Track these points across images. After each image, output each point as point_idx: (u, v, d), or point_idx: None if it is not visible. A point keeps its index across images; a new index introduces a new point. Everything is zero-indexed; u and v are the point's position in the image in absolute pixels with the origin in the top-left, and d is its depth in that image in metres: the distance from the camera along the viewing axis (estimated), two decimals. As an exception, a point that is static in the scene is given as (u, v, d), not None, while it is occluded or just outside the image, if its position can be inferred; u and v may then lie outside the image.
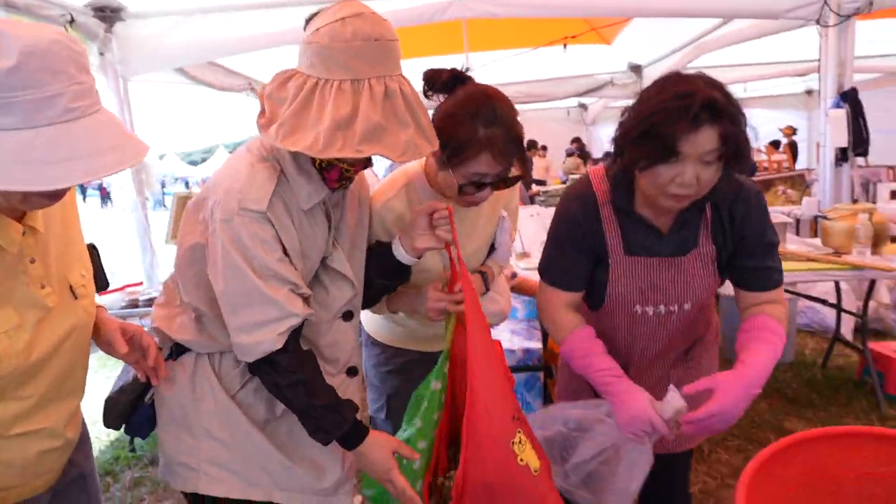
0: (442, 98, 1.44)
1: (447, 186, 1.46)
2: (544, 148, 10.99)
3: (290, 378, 1.24)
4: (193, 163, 31.40)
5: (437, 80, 1.42)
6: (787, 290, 4.06)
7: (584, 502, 1.50)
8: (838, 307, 3.78)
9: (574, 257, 1.52)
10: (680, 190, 1.30)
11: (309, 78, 1.14)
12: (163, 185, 27.83)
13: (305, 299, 1.28)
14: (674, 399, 1.34)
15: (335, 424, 1.27)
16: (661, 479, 1.56)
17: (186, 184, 23.29)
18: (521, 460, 1.30)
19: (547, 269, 1.58)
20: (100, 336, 1.29)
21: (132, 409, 1.37)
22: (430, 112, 1.33)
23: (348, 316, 1.43)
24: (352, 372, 1.46)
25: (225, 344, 1.30)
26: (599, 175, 1.51)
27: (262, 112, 1.19)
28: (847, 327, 4.15)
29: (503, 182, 1.43)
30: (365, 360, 1.81)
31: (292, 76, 1.18)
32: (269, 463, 1.33)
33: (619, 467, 1.45)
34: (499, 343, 1.47)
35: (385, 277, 1.45)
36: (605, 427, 1.46)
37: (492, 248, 1.71)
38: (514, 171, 1.44)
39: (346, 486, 1.42)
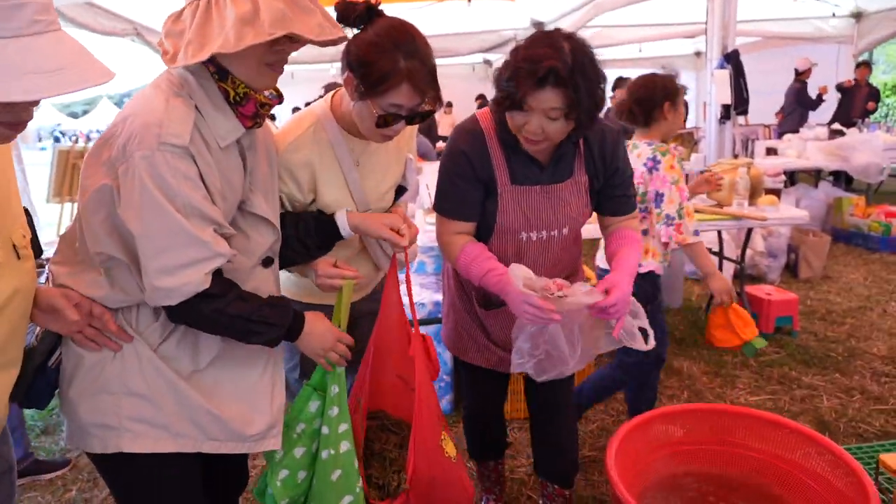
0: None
1: (361, 119, 1.46)
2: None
3: (227, 297, 1.22)
4: (74, 115, 28.79)
5: (352, 13, 1.39)
6: (676, 241, 4.32)
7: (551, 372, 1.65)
8: (720, 255, 4.09)
9: (465, 188, 1.65)
10: (529, 136, 1.51)
11: (201, 1, 1.14)
12: (39, 139, 25.42)
13: (228, 240, 1.24)
14: (517, 269, 1.51)
15: (282, 315, 1.31)
16: (549, 393, 1.88)
17: (67, 137, 21.39)
18: (447, 453, 1.63)
19: (441, 201, 1.71)
20: (38, 305, 1.19)
21: (33, 378, 1.26)
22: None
23: (268, 262, 1.40)
24: (268, 262, 1.43)
25: (139, 297, 1.23)
26: (486, 114, 1.66)
27: (165, 51, 1.16)
28: (727, 274, 4.51)
29: (418, 116, 1.46)
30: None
31: (184, 8, 1.17)
32: (196, 414, 1.29)
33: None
34: (430, 340, 1.71)
35: (324, 247, 1.54)
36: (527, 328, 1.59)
37: (400, 189, 1.73)
38: (426, 107, 1.46)
39: (276, 428, 1.40)
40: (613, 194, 1.74)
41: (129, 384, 1.25)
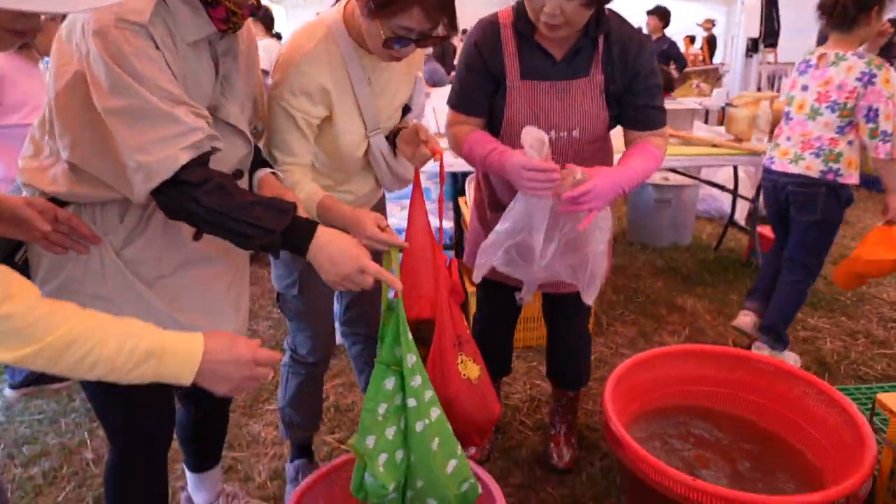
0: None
1: (370, 37, 1.40)
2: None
3: (206, 187, 1.12)
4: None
5: None
6: (689, 177, 4.20)
7: (515, 270, 1.69)
8: (734, 193, 3.97)
9: (475, 81, 1.67)
10: (547, 19, 1.47)
11: None
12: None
13: (208, 122, 1.17)
14: (529, 133, 1.45)
15: (275, 219, 1.16)
16: (565, 319, 2.01)
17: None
18: (464, 375, 1.62)
19: (453, 97, 1.73)
20: (1, 215, 1.14)
21: None
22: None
23: (238, 175, 1.36)
24: (238, 175, 1.38)
25: (103, 194, 1.19)
26: (507, 10, 1.65)
27: None
28: (741, 213, 4.40)
29: (429, 39, 1.38)
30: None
31: None
32: (158, 320, 1.24)
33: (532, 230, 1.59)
34: (455, 263, 1.68)
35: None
36: (516, 205, 1.59)
37: (406, 109, 1.69)
38: (440, 33, 1.38)
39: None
40: (634, 103, 1.65)
41: (91, 286, 1.22)
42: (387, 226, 1.40)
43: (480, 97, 1.68)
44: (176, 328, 1.26)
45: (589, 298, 1.67)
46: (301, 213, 1.25)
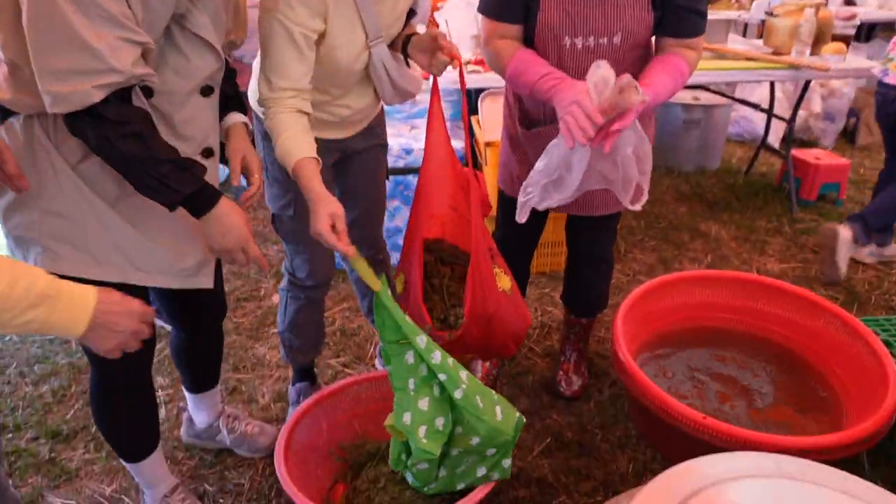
0: None
1: None
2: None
3: (120, 129, 1.06)
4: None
5: None
6: (722, 95, 3.94)
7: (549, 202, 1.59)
8: (769, 112, 3.71)
9: None
10: None
11: None
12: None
13: (144, 55, 1.07)
14: (596, 70, 1.32)
15: (183, 181, 1.13)
16: (589, 241, 1.89)
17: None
18: (500, 287, 1.61)
19: (484, 2, 1.59)
20: None
21: None
22: None
23: (207, 91, 1.26)
24: (208, 153, 1.32)
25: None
26: None
27: None
28: (775, 136, 4.14)
29: None
30: (264, 153, 1.63)
31: None
32: (122, 241, 1.22)
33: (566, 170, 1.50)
34: (482, 176, 1.65)
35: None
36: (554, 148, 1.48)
37: (411, 13, 1.61)
38: None
39: (209, 267, 1.35)
40: (676, 3, 1.48)
41: (45, 201, 1.16)
42: (342, 229, 1.33)
43: (516, 1, 1.51)
44: (140, 251, 1.22)
45: (627, 202, 1.54)
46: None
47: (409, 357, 1.39)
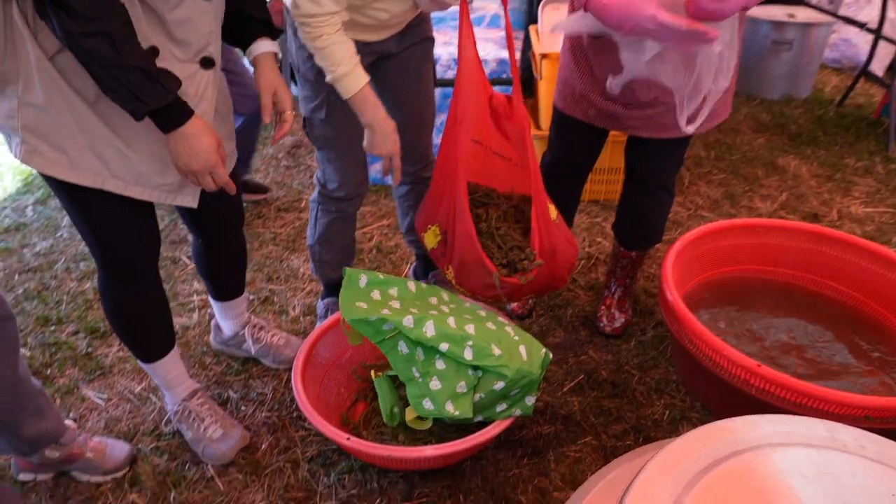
0: None
1: None
2: None
3: (87, 26, 0.96)
4: None
5: None
6: (824, 11, 3.50)
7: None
8: (877, 33, 3.25)
9: None
10: None
11: None
12: None
13: None
14: None
15: (151, 93, 1.04)
16: (649, 167, 1.72)
17: None
18: (553, 218, 1.60)
19: None
20: None
21: None
22: None
23: (207, 63, 1.18)
24: (207, 63, 1.21)
25: None
26: None
27: None
28: (880, 64, 3.67)
29: None
30: (294, 50, 1.50)
31: None
32: (99, 144, 1.14)
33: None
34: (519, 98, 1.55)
35: None
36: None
37: None
38: None
39: (192, 186, 1.28)
40: None
41: (24, 92, 1.08)
42: (398, 165, 1.46)
43: None
44: (119, 158, 1.15)
45: (683, 119, 1.35)
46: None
47: (402, 346, 1.37)
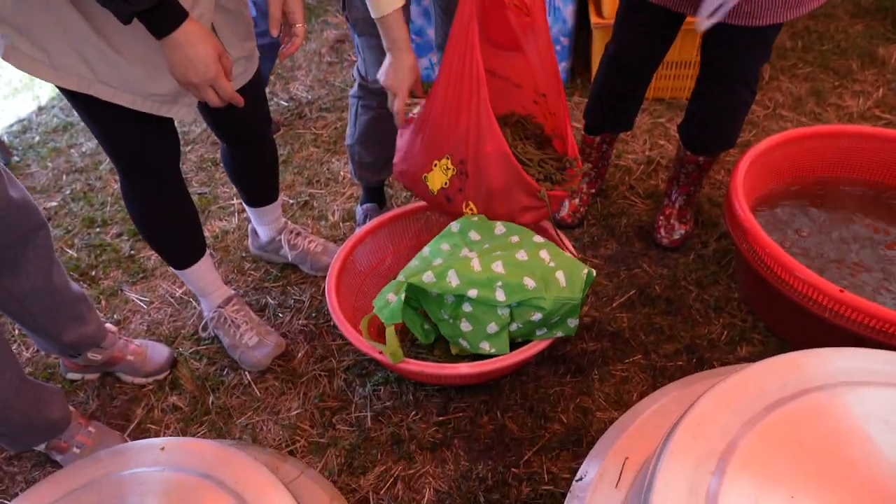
0: None
1: None
2: None
3: None
4: None
5: None
6: None
7: None
8: None
9: None
10: None
11: None
12: None
13: None
14: None
15: None
16: (737, 57, 1.48)
17: None
18: None
19: None
20: None
21: None
22: None
23: None
24: None
25: None
26: None
27: None
28: None
29: None
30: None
31: None
32: (83, 46, 1.03)
33: None
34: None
35: None
36: None
37: None
38: None
39: (189, 98, 1.16)
40: None
41: None
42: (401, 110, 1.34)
43: None
44: (104, 61, 1.04)
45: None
46: None
47: (432, 292, 1.28)
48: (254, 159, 1.54)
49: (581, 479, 0.95)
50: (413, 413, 1.42)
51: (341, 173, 2.16)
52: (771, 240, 1.36)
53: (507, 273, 1.23)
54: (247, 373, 1.53)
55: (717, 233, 1.81)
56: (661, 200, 1.85)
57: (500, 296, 1.21)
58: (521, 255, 1.27)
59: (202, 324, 1.62)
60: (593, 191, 1.92)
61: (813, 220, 1.67)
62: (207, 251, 1.50)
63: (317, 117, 2.45)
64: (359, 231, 1.57)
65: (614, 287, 1.68)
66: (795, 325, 1.44)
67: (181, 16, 0.96)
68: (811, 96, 2.34)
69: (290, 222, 1.78)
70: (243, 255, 1.86)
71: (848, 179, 1.75)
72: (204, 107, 1.34)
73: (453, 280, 1.23)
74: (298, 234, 1.76)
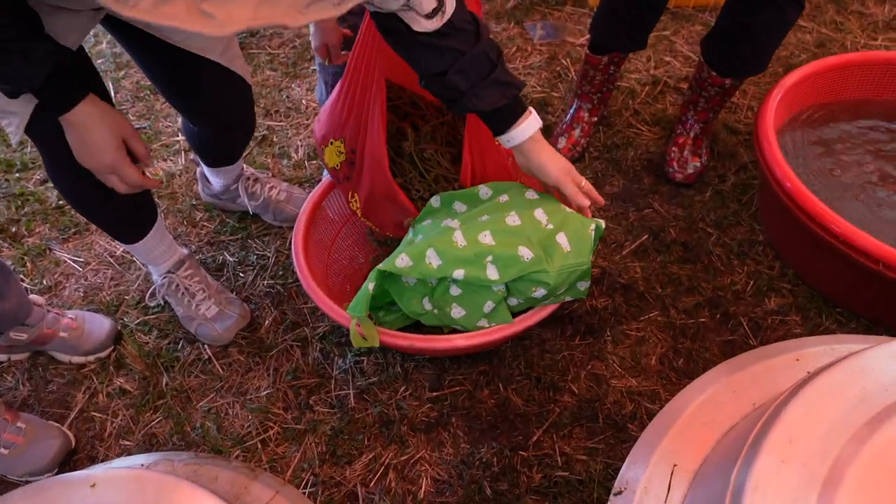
0: None
1: None
2: None
3: None
4: None
5: None
6: None
7: None
8: None
9: None
10: None
11: None
12: None
13: None
14: None
15: (15, 72, 0.77)
16: None
17: None
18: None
19: None
20: None
21: None
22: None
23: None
24: None
25: None
26: None
27: None
28: None
29: None
30: None
31: None
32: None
33: None
34: None
35: None
36: None
37: None
38: None
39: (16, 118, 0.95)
40: None
41: None
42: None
43: None
44: None
45: None
46: None
47: (408, 278, 1.08)
48: (228, 140, 1.31)
49: (620, 492, 0.78)
50: (403, 388, 1.23)
51: (304, 101, 1.87)
52: (811, 194, 1.17)
53: (498, 243, 1.01)
54: (206, 346, 1.31)
55: (734, 165, 1.61)
56: (672, 128, 1.63)
57: (493, 273, 1.01)
58: (513, 219, 1.04)
59: (150, 290, 1.38)
60: (595, 119, 1.68)
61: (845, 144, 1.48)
62: (160, 216, 1.24)
63: (272, 34, 2.11)
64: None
65: (624, 231, 1.48)
66: (831, 274, 1.28)
67: (76, 96, 0.85)
68: (830, 3, 2.09)
69: (247, 167, 1.51)
70: (194, 202, 1.60)
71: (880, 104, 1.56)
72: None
73: (434, 260, 1.02)
74: (257, 180, 1.50)
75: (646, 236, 1.47)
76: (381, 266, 1.04)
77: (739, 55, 1.39)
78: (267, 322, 1.35)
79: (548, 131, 1.71)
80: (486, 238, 1.02)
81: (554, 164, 1.02)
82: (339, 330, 1.33)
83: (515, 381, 1.24)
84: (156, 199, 1.51)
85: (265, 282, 1.42)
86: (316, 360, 1.28)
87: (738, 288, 1.37)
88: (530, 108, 0.99)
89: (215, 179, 1.48)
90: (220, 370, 1.28)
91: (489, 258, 1.00)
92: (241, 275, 1.44)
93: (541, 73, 1.90)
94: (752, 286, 1.37)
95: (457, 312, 1.07)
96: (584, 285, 1.09)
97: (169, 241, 1.31)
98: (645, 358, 1.26)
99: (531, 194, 1.10)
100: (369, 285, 1.04)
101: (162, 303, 1.38)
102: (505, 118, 0.97)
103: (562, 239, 1.03)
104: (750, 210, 1.51)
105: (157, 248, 1.27)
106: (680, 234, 1.47)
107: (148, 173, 1.20)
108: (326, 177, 1.34)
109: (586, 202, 1.04)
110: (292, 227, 1.47)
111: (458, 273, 1.00)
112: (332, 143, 1.24)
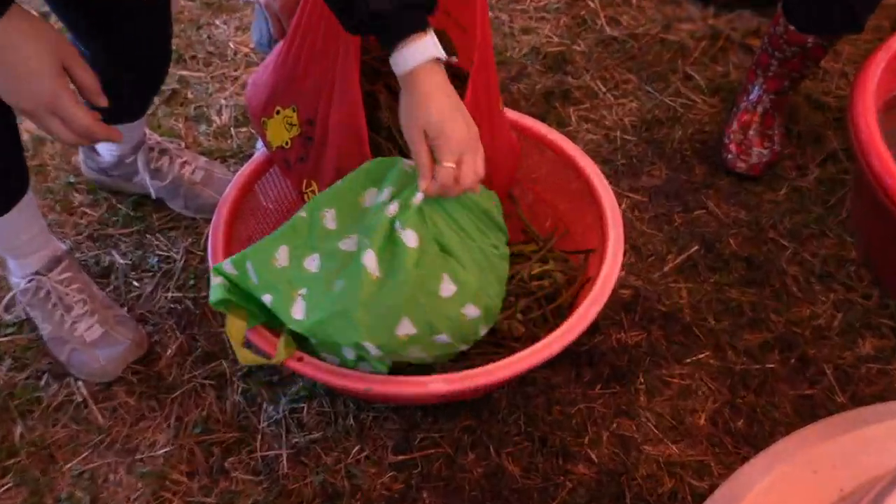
0: None
1: None
2: None
3: None
4: None
5: None
6: None
7: None
8: None
9: None
10: None
11: None
12: None
13: None
14: None
15: None
16: None
17: None
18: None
19: None
20: None
21: None
22: None
23: None
24: None
25: None
26: None
27: None
28: None
29: None
30: None
31: None
32: None
33: None
34: None
35: None
36: None
37: None
38: None
39: None
40: None
41: None
42: None
43: None
44: None
45: None
46: None
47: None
48: (138, 84, 1.37)
49: None
50: (356, 449, 1.25)
51: (231, 44, 1.91)
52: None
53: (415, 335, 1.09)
54: (81, 384, 1.32)
55: (821, 153, 1.67)
56: (735, 100, 1.68)
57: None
58: (422, 298, 1.08)
59: (6, 299, 1.39)
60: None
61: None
62: (30, 188, 1.24)
63: (191, -50, 2.13)
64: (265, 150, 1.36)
65: (666, 239, 1.52)
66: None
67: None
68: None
69: (150, 132, 1.54)
70: (71, 179, 1.63)
71: None
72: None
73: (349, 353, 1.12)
74: (164, 152, 1.54)
75: (696, 247, 1.51)
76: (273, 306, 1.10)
77: (830, 6, 1.43)
78: (169, 351, 1.37)
79: (566, 98, 1.74)
80: (405, 328, 1.07)
81: (422, 112, 0.98)
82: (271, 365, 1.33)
83: (512, 443, 1.25)
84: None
85: (169, 294, 1.45)
86: (236, 407, 1.30)
87: (820, 323, 1.40)
88: (429, 31, 0.98)
89: (105, 146, 1.50)
90: (99, 418, 1.29)
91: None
92: (136, 284, 1.47)
93: (559, 18, 1.93)
94: (841, 321, 1.40)
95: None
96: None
97: (41, 227, 1.32)
98: (690, 416, 1.28)
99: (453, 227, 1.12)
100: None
101: (22, 317, 1.39)
102: (391, 29, 0.97)
103: (469, 311, 1.11)
104: (839, 216, 1.55)
105: (25, 233, 1.27)
106: (742, 247, 1.51)
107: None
108: (261, 149, 1.36)
109: (427, 183, 1.01)
110: (209, 220, 1.50)
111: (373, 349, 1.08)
112: (278, 113, 1.25)
